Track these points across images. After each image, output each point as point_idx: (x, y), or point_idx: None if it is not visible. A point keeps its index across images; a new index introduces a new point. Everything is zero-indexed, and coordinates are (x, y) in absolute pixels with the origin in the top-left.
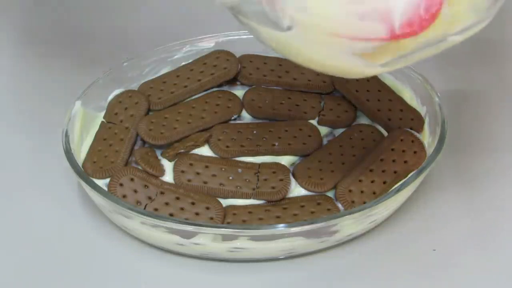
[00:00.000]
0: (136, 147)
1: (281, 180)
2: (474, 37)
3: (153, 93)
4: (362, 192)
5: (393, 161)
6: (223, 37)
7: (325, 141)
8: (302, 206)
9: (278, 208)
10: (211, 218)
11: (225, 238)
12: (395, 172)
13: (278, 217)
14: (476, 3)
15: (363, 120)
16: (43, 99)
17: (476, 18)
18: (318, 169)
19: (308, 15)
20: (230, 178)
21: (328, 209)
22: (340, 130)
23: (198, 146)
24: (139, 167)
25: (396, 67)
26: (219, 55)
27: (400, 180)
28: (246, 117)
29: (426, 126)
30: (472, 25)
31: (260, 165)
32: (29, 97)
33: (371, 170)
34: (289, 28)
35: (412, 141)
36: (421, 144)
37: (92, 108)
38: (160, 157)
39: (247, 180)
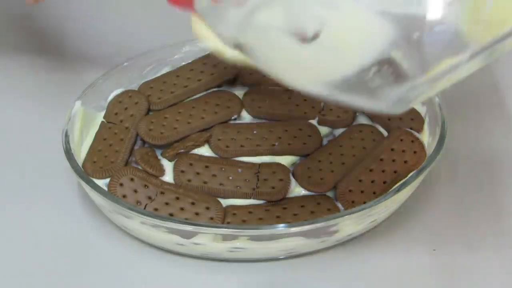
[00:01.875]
0: (136, 147)
1: (281, 180)
2: None
3: (153, 93)
4: (362, 192)
5: (393, 161)
6: None
7: (325, 141)
8: (302, 206)
9: (278, 208)
10: (211, 218)
11: (225, 238)
12: (395, 172)
13: (278, 217)
14: None
15: (363, 120)
16: (43, 99)
17: None
18: (318, 169)
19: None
20: (230, 178)
21: (328, 209)
22: (340, 130)
23: (198, 146)
24: (139, 167)
25: (433, 92)
26: None
27: (400, 180)
28: (246, 117)
29: (426, 126)
30: None
31: (260, 165)
32: (29, 97)
33: (371, 170)
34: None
35: (412, 141)
36: (421, 144)
37: (92, 108)
38: (160, 157)
39: (247, 180)
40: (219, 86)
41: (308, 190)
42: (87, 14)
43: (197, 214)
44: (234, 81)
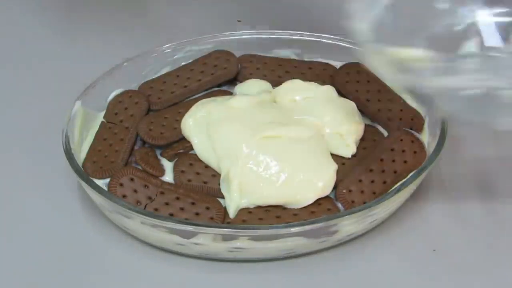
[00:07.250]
0: (136, 147)
1: None
2: None
3: (153, 93)
4: (362, 192)
5: (393, 161)
6: (223, 37)
7: None
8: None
9: (278, 208)
10: (211, 218)
11: (225, 238)
12: (395, 172)
13: (278, 217)
14: None
15: (363, 120)
16: (43, 99)
17: None
18: None
19: None
20: None
21: (328, 209)
22: None
23: None
24: (139, 167)
25: None
26: (219, 55)
27: (400, 180)
28: None
29: (426, 126)
30: None
31: None
32: (29, 97)
33: (371, 170)
34: None
35: (412, 141)
36: (421, 144)
37: (92, 108)
38: (160, 157)
39: None
40: (219, 86)
41: None
42: (87, 14)
43: (197, 214)
44: (234, 81)
